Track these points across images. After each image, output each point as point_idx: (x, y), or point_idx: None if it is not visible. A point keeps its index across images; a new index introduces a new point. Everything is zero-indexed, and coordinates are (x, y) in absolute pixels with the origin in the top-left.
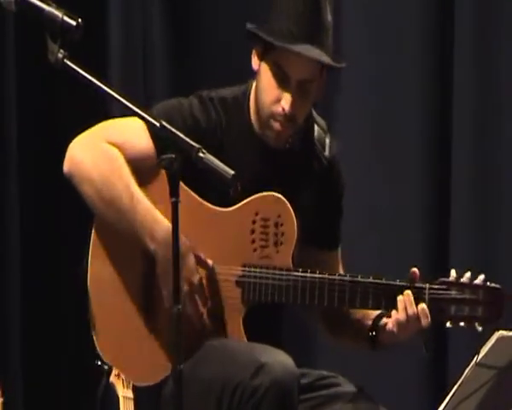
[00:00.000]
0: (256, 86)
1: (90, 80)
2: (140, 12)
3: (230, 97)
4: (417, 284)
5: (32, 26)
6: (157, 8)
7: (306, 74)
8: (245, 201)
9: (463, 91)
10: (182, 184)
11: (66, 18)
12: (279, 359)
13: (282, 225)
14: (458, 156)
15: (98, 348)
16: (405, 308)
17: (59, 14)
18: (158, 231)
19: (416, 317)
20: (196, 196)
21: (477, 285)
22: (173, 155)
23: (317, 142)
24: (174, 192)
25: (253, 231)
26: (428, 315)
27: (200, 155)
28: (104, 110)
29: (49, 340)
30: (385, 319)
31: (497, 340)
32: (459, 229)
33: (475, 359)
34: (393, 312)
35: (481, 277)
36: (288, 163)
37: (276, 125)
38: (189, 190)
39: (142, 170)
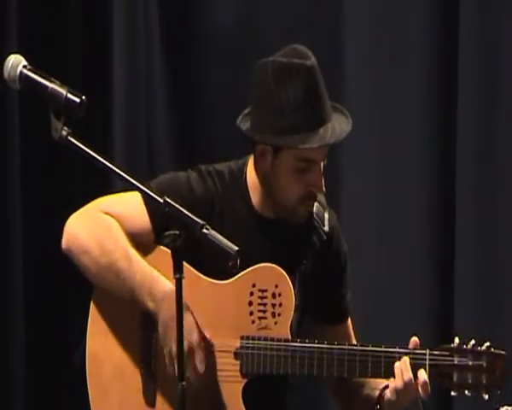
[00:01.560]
0: (270, 181)
1: (94, 157)
2: (143, 87)
3: (227, 171)
4: (417, 350)
5: (37, 103)
6: (159, 83)
7: (327, 151)
8: (242, 273)
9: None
10: None
11: (69, 95)
12: None
13: (279, 295)
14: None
15: None
16: (402, 375)
17: (63, 91)
18: (157, 290)
19: (413, 383)
20: (192, 269)
21: (480, 351)
22: (177, 232)
23: (316, 216)
24: (178, 268)
25: (250, 303)
26: (428, 383)
27: (205, 231)
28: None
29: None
30: (387, 390)
31: None
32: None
33: None
34: (391, 379)
35: (486, 344)
36: (286, 235)
37: (309, 207)
38: (185, 263)
39: (138, 245)
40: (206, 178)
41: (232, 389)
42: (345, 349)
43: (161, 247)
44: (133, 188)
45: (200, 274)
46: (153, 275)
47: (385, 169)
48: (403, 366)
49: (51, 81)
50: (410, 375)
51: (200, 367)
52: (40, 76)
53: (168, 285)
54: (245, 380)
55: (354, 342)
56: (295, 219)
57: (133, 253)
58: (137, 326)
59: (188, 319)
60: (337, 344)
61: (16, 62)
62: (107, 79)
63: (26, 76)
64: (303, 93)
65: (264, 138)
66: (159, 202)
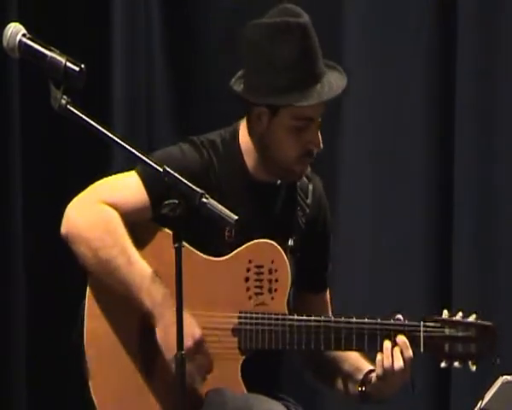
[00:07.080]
0: (266, 143)
1: (94, 126)
2: (143, 65)
3: (220, 140)
4: (411, 322)
5: (37, 71)
6: (160, 61)
7: (324, 107)
8: (238, 249)
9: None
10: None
11: (69, 63)
12: None
13: (275, 271)
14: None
15: (96, 405)
16: (402, 354)
17: (62, 59)
18: (156, 292)
19: (410, 362)
20: (189, 246)
21: (469, 322)
22: (176, 201)
23: (298, 189)
24: (177, 237)
25: (247, 279)
26: (409, 347)
27: (204, 200)
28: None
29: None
30: (373, 374)
31: (502, 385)
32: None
33: (480, 404)
34: (380, 362)
35: (473, 316)
36: (280, 206)
37: (305, 166)
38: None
39: (138, 223)
40: (200, 149)
41: (231, 366)
42: (341, 322)
43: (159, 229)
44: (132, 159)
45: (196, 251)
46: (152, 278)
47: (383, 157)
48: (402, 346)
49: (50, 50)
50: (411, 353)
51: (205, 368)
52: (39, 45)
53: (166, 290)
54: (243, 357)
55: (330, 310)
56: (292, 179)
57: (132, 251)
58: (135, 310)
59: (188, 314)
60: (334, 317)
61: (15, 31)
62: (106, 43)
63: (25, 44)
64: (297, 50)
65: (260, 99)
66: (158, 171)
